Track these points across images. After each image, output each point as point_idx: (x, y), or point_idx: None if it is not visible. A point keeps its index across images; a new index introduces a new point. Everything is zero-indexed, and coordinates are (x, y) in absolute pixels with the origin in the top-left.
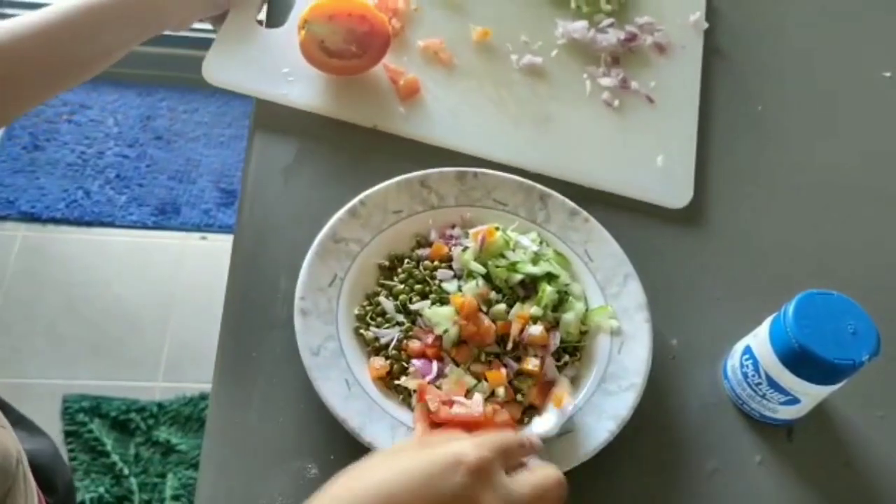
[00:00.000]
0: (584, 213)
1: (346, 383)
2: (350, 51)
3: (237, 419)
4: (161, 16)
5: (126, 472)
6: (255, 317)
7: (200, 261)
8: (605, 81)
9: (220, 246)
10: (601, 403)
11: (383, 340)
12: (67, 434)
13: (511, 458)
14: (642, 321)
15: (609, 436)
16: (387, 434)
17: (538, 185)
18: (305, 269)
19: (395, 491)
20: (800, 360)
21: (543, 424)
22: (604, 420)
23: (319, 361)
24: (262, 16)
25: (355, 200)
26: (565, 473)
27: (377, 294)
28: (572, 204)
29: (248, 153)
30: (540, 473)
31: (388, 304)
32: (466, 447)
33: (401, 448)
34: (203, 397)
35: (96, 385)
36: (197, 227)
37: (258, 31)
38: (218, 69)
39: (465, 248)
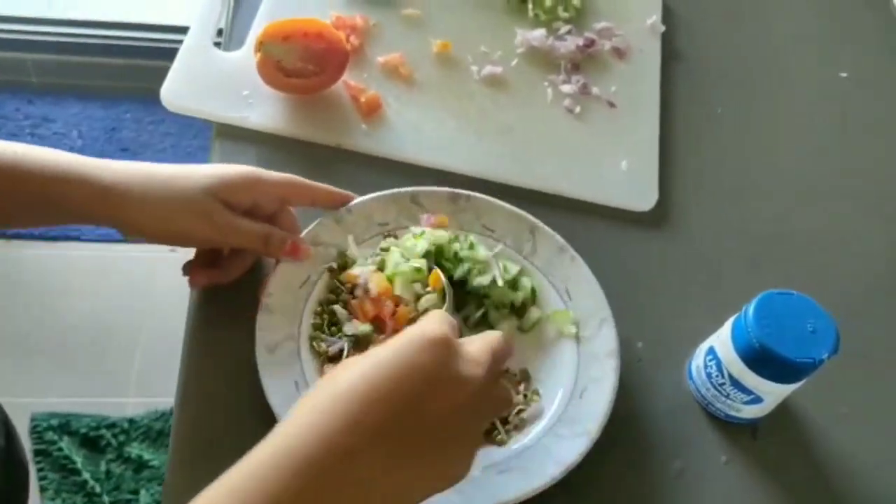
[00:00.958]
0: (572, 252)
1: (294, 385)
2: (308, 69)
3: (202, 430)
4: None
5: (98, 489)
6: (218, 330)
7: (170, 273)
8: (566, 88)
9: (191, 258)
10: (550, 446)
11: (332, 350)
12: (37, 453)
13: (456, 330)
14: (609, 368)
15: (550, 481)
16: None
17: (530, 217)
18: (280, 267)
19: (369, 377)
20: (761, 360)
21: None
22: (549, 465)
23: (273, 360)
24: (221, 39)
25: (343, 208)
26: None
27: (331, 302)
28: (562, 240)
29: None
30: (489, 336)
31: (341, 312)
32: (423, 328)
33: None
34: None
35: (65, 402)
36: None
37: (216, 54)
38: (177, 95)
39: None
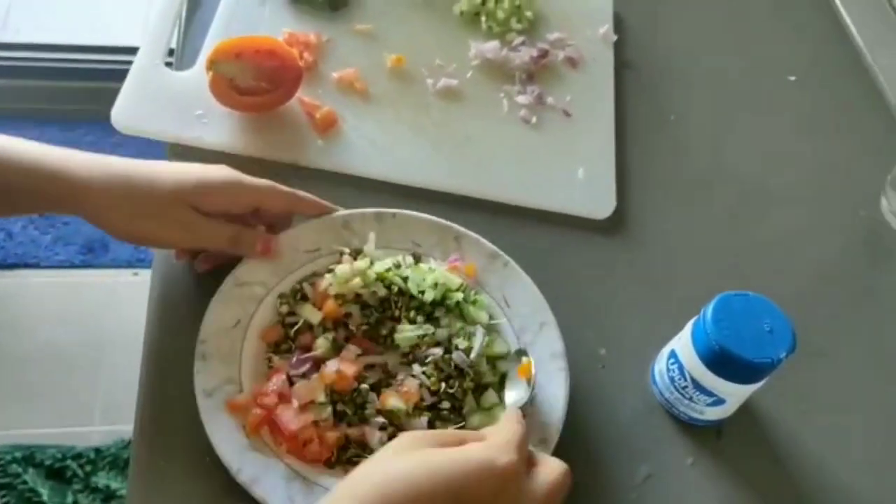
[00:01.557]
0: (504, 257)
1: (242, 429)
2: (261, 87)
3: (161, 462)
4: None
5: None
6: (177, 355)
7: (133, 297)
8: (522, 99)
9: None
10: None
11: (296, 371)
12: (1, 487)
13: (525, 450)
14: (556, 369)
15: None
16: (282, 488)
17: (454, 226)
18: (208, 313)
19: (422, 485)
20: (721, 361)
21: (515, 396)
22: None
23: (214, 403)
24: (172, 58)
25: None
26: None
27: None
28: (491, 247)
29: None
30: (551, 468)
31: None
32: (494, 452)
33: (411, 444)
34: None
35: (29, 434)
36: (128, 264)
37: (167, 74)
38: (128, 116)
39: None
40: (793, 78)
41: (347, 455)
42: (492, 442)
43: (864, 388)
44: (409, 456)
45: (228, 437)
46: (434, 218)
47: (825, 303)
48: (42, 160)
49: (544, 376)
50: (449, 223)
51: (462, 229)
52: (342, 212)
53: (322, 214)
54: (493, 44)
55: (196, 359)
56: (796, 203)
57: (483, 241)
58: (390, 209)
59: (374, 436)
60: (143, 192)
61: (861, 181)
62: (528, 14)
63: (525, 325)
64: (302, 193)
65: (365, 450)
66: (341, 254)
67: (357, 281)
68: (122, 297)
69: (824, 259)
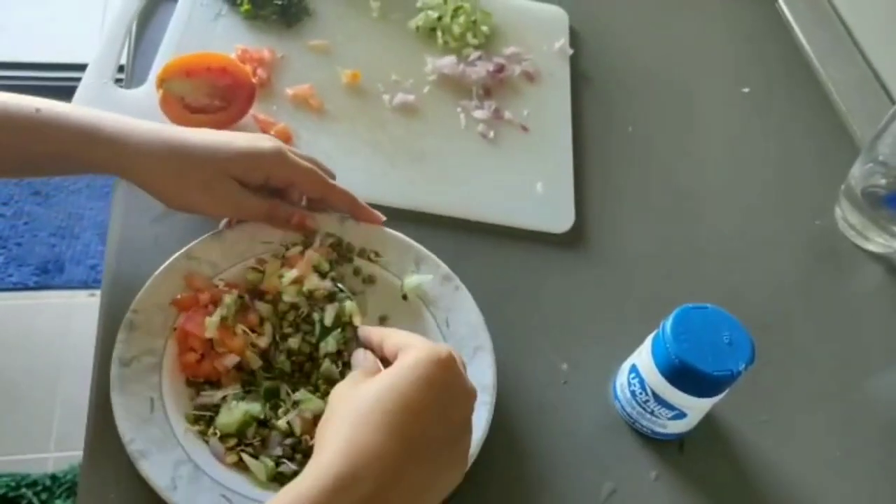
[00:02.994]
0: (457, 282)
1: (150, 402)
2: (214, 105)
3: (110, 492)
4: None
5: None
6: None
7: (89, 319)
8: (479, 114)
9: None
10: None
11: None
12: None
13: None
14: (480, 403)
15: None
16: (169, 468)
17: (416, 246)
18: (149, 283)
19: (405, 405)
20: (681, 375)
21: None
22: None
23: (127, 373)
24: (122, 76)
25: (223, 223)
26: None
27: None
28: (446, 269)
29: (113, 209)
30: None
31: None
32: (429, 345)
33: (363, 376)
34: None
35: None
36: (84, 284)
37: (116, 92)
38: None
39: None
40: (746, 90)
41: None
42: (419, 341)
43: (822, 396)
44: (373, 382)
45: (130, 408)
46: (398, 234)
47: (783, 313)
48: (99, 126)
49: None
50: (412, 242)
51: (424, 251)
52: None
53: (356, 212)
54: (450, 59)
55: (122, 327)
56: (753, 214)
57: (441, 263)
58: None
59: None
60: (193, 165)
61: (815, 191)
62: (484, 29)
63: (460, 347)
64: (339, 186)
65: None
66: (286, 248)
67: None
68: (78, 318)
69: (781, 269)
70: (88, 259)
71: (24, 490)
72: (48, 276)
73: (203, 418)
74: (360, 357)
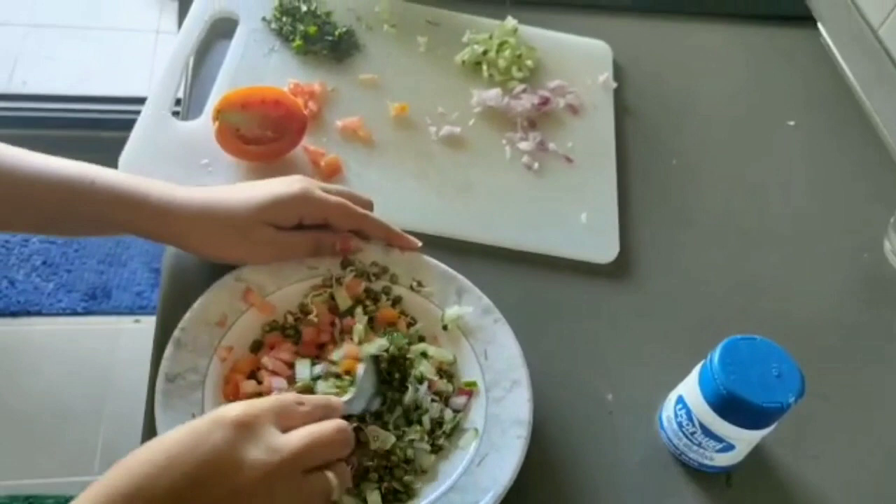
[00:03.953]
0: (497, 314)
1: (191, 418)
2: (267, 136)
3: None
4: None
5: None
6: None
7: (135, 344)
8: (524, 145)
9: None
10: None
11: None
12: None
13: (290, 419)
14: (514, 437)
15: None
16: None
17: (460, 278)
18: (198, 302)
19: (160, 463)
20: (729, 406)
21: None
22: None
23: (172, 388)
24: (179, 108)
25: None
26: None
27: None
28: (488, 301)
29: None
30: (316, 425)
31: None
32: (231, 407)
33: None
34: None
35: (29, 483)
36: (130, 311)
37: (174, 124)
38: (135, 165)
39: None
40: (792, 123)
41: None
42: (238, 403)
43: (872, 432)
44: (153, 443)
45: (173, 424)
46: (441, 265)
47: (830, 345)
48: (147, 196)
49: (499, 439)
50: (455, 273)
51: (466, 282)
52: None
53: (392, 239)
54: (495, 91)
55: (170, 343)
56: (800, 246)
57: (483, 296)
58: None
59: None
60: (223, 221)
61: (864, 224)
62: (529, 63)
63: (497, 380)
64: (372, 216)
65: None
66: (337, 280)
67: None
68: (124, 344)
69: (829, 301)
70: (134, 286)
71: None
72: (96, 301)
73: None
74: None
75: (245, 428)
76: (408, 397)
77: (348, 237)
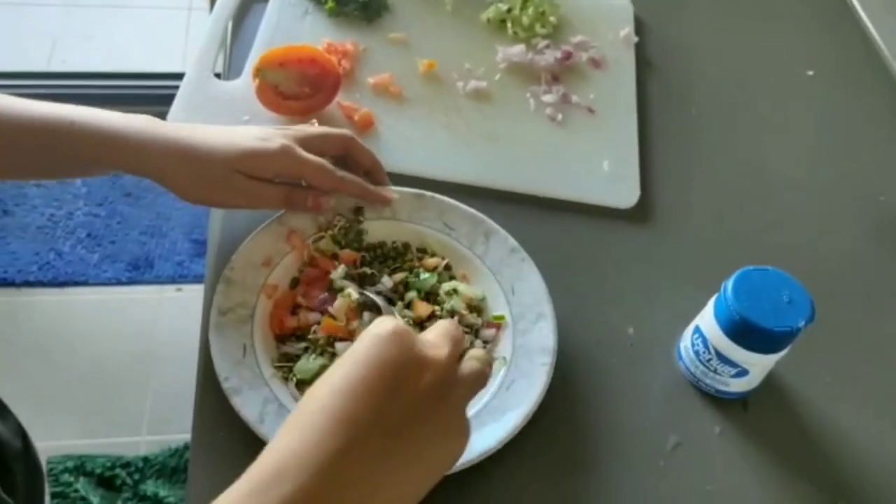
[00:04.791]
0: (523, 253)
1: (243, 348)
2: (304, 92)
3: (219, 467)
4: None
5: None
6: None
7: (177, 312)
8: (547, 98)
9: (196, 296)
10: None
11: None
12: (54, 496)
13: (453, 345)
14: (539, 364)
15: (464, 463)
16: (258, 404)
17: (487, 221)
18: (244, 244)
19: (349, 390)
20: (742, 332)
21: None
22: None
23: (223, 321)
24: (220, 69)
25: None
26: None
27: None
28: (514, 242)
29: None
30: (437, 324)
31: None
32: (381, 325)
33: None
34: (188, 447)
35: (80, 444)
36: (172, 280)
37: (216, 84)
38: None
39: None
40: (811, 73)
41: None
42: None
43: (885, 362)
44: (328, 375)
45: (227, 352)
46: (470, 209)
47: (845, 282)
48: (126, 135)
49: (527, 366)
50: (483, 217)
51: (493, 224)
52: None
53: (366, 197)
54: (520, 48)
55: (220, 281)
56: (817, 190)
57: (509, 237)
58: (429, 192)
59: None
60: (199, 166)
61: (880, 168)
62: (552, 19)
63: (523, 313)
64: (349, 177)
65: None
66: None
67: None
68: (167, 312)
69: (845, 241)
70: (175, 256)
71: (118, 470)
72: (139, 272)
73: (286, 367)
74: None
75: (406, 335)
76: None
77: (319, 194)
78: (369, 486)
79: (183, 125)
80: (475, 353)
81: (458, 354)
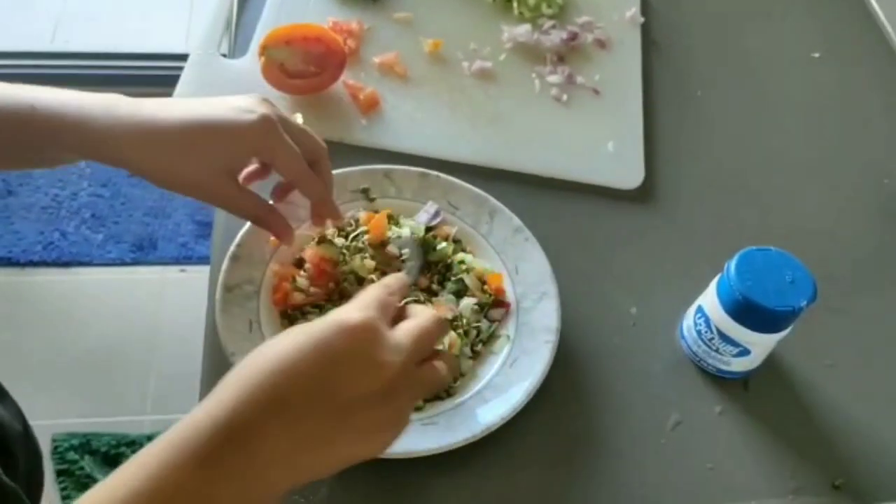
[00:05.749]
0: (527, 233)
1: (249, 323)
2: (309, 71)
3: None
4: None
5: None
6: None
7: (180, 293)
8: (553, 78)
9: (199, 277)
10: (475, 408)
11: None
12: (59, 473)
13: (388, 311)
14: (543, 342)
15: (468, 438)
16: None
17: (492, 200)
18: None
19: (287, 366)
20: (744, 311)
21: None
22: (472, 424)
23: (230, 297)
24: (226, 48)
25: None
26: None
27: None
28: (518, 222)
29: None
30: (417, 320)
31: None
32: (348, 313)
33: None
34: None
35: (85, 423)
36: (175, 261)
37: (222, 62)
38: None
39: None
40: (816, 55)
41: None
42: (349, 305)
43: (885, 343)
44: (283, 337)
45: (232, 327)
46: (474, 188)
47: (849, 264)
48: (84, 116)
49: (530, 345)
50: (487, 196)
51: (498, 204)
52: (385, 166)
53: (322, 207)
54: (525, 28)
55: (227, 258)
56: (822, 172)
57: (513, 216)
58: (434, 171)
59: None
60: (157, 141)
61: (886, 152)
62: (558, 0)
63: (527, 292)
64: (313, 179)
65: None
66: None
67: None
68: (171, 292)
69: (848, 224)
70: (179, 237)
71: (123, 448)
72: (143, 252)
73: None
74: None
75: (366, 330)
76: (462, 306)
77: (287, 230)
78: (265, 467)
79: (156, 100)
80: (444, 360)
81: (421, 359)
